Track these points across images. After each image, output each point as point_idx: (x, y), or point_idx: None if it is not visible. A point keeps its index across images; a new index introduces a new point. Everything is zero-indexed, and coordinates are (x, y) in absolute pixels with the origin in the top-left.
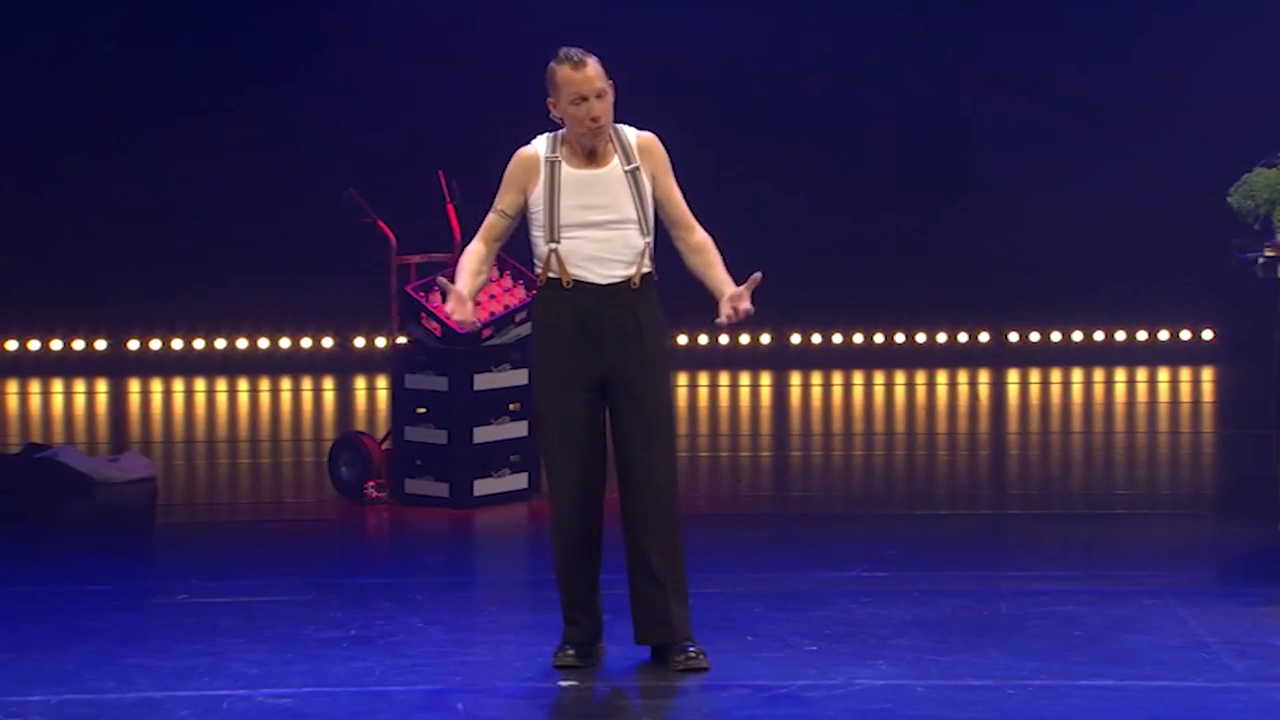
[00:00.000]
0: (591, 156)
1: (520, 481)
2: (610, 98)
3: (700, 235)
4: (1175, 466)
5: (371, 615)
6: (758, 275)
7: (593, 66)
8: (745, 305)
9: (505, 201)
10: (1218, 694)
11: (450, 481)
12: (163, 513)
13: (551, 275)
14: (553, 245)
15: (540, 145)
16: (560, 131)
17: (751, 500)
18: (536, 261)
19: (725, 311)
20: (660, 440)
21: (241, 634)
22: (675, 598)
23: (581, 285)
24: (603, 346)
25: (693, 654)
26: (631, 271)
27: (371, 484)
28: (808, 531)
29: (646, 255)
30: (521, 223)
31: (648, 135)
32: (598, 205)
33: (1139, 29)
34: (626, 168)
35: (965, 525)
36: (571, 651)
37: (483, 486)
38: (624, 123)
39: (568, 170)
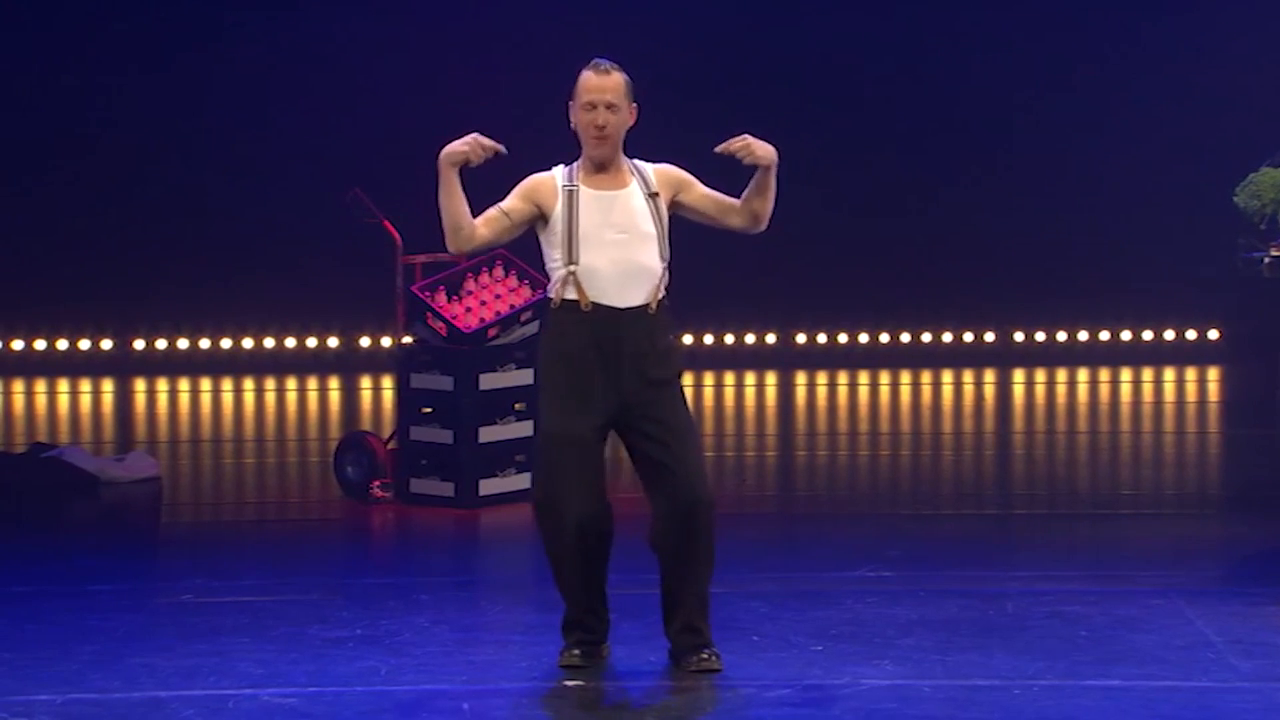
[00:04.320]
0: (604, 174)
1: (525, 481)
2: (624, 116)
3: None
4: (1181, 466)
5: (377, 615)
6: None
7: (615, 79)
8: (745, 143)
9: (510, 204)
10: (1224, 694)
11: (455, 481)
12: (168, 512)
13: (569, 298)
14: (572, 267)
15: (558, 173)
16: (576, 162)
17: (757, 500)
18: (553, 284)
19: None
20: (694, 453)
21: (247, 633)
22: (705, 606)
23: (600, 308)
24: (620, 369)
25: (706, 656)
26: (649, 297)
27: (377, 483)
28: (813, 531)
29: (663, 281)
30: (535, 243)
31: (664, 165)
32: (617, 224)
33: (1142, 29)
34: (646, 192)
35: (971, 525)
36: (577, 652)
37: (488, 486)
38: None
39: (586, 192)
